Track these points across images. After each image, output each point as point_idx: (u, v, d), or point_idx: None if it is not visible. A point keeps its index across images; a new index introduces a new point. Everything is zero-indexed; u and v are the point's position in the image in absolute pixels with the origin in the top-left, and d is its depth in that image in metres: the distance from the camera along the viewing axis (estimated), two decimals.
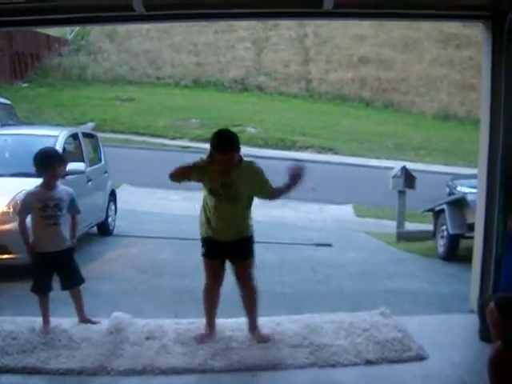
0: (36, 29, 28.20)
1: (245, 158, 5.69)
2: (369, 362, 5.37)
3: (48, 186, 5.96)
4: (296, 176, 5.56)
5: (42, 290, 6.01)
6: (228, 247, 5.71)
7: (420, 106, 32.00)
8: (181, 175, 5.61)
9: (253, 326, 5.89)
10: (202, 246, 5.84)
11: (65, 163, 6.27)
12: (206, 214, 5.73)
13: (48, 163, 5.94)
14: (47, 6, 6.16)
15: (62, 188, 6.09)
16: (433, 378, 5.09)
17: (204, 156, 5.60)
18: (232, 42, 36.17)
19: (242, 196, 5.61)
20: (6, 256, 8.05)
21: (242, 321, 6.03)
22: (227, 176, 5.50)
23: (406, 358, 5.47)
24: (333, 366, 5.31)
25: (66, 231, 6.02)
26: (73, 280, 6.09)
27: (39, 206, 5.86)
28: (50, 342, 5.63)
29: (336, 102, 32.74)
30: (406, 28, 35.21)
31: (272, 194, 5.73)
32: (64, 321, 6.10)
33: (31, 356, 5.36)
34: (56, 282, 6.09)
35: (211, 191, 5.60)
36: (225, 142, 5.49)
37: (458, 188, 11.57)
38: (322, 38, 36.41)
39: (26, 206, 5.98)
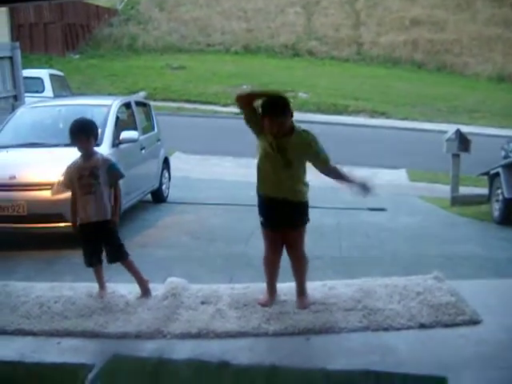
0: None
1: (297, 125, 5.51)
2: (422, 326, 5.36)
3: (84, 155, 5.96)
4: (362, 187, 5.58)
5: (89, 261, 6.01)
6: (282, 211, 5.56)
7: (474, 67, 31.42)
8: (245, 98, 5.54)
9: (300, 292, 5.87)
10: (260, 212, 5.72)
11: (96, 130, 6.19)
12: (259, 172, 5.60)
13: (77, 134, 5.92)
14: None
15: (99, 156, 6.06)
16: (486, 342, 5.05)
17: None
18: (282, 7, 35.99)
19: (294, 162, 5.49)
20: (63, 224, 8.18)
21: None
22: (279, 138, 5.38)
23: (460, 321, 5.43)
24: (386, 329, 5.31)
25: (108, 202, 5.95)
26: (114, 254, 6.00)
27: (77, 177, 5.90)
28: (108, 307, 5.75)
29: (388, 65, 32.39)
30: None
31: (323, 169, 5.60)
32: (120, 286, 6.21)
33: (89, 320, 5.50)
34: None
35: (265, 147, 5.46)
36: (274, 106, 5.37)
37: None
38: (372, 1, 35.98)
39: (67, 177, 6.05)
